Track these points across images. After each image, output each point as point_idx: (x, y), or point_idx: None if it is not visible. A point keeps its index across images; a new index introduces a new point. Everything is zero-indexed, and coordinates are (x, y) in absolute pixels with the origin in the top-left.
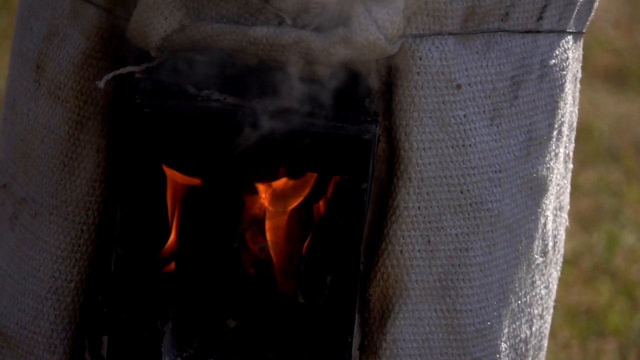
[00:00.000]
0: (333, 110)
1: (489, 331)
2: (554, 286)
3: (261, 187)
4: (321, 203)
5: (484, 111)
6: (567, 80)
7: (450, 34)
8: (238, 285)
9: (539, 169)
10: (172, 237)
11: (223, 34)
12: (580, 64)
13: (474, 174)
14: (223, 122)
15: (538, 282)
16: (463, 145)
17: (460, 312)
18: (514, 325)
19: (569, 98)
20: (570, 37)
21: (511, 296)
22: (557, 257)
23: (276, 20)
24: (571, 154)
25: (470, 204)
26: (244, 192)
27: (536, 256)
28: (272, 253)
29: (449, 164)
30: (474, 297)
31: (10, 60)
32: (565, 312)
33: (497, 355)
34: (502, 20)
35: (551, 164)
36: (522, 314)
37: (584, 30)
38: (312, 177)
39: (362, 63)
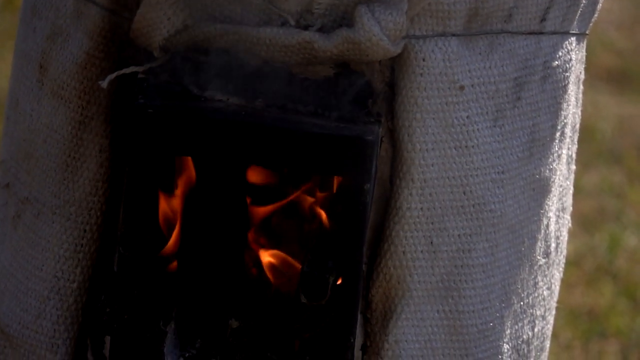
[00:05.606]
0: (336, 111)
1: (491, 332)
2: (556, 287)
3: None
4: (324, 204)
5: (487, 112)
6: (570, 82)
7: (453, 35)
8: (240, 285)
9: (542, 170)
10: (174, 236)
11: (226, 34)
12: (584, 66)
13: (476, 175)
14: (226, 123)
15: (540, 284)
16: (466, 147)
17: (462, 313)
18: (517, 327)
19: (572, 99)
20: (573, 39)
21: (513, 297)
22: (559, 259)
23: (279, 20)
24: (574, 155)
25: (473, 205)
26: (248, 194)
27: (539, 257)
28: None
29: (451, 165)
30: (476, 298)
31: (13, 60)
32: (568, 313)
33: (500, 356)
34: (505, 21)
35: (554, 165)
36: (524, 315)
37: (587, 32)
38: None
39: (365, 64)
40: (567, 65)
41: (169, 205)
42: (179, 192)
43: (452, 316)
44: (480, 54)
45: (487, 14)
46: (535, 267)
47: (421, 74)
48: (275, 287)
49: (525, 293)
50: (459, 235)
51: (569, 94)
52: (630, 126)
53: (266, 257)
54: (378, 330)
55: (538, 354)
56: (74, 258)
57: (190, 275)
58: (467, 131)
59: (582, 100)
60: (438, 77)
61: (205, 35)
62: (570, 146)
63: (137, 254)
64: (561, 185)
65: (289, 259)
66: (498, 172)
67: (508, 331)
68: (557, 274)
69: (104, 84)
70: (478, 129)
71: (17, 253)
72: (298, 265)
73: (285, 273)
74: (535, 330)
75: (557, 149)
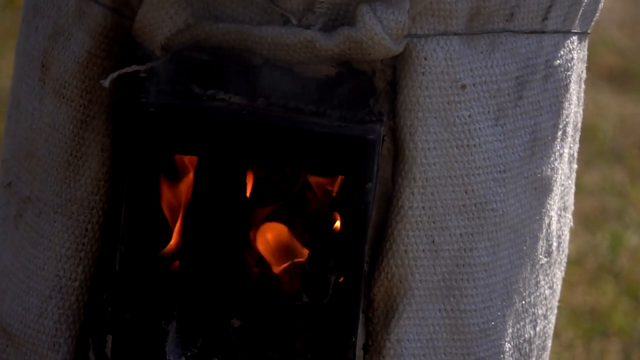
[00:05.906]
0: (337, 110)
1: (493, 331)
2: (558, 286)
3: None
4: (326, 203)
5: (488, 111)
6: (572, 81)
7: (455, 34)
8: (242, 284)
9: (544, 169)
10: (176, 235)
11: (228, 33)
12: (585, 65)
13: (478, 174)
14: (227, 122)
15: (542, 283)
16: (468, 146)
17: (464, 312)
18: (518, 326)
19: (574, 98)
20: (575, 38)
21: (515, 296)
22: (561, 258)
23: (281, 19)
24: (575, 154)
25: (475, 204)
26: (250, 190)
27: (540, 256)
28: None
29: (453, 164)
30: (478, 297)
31: (15, 59)
32: (570, 312)
33: (501, 356)
34: (507, 20)
35: (556, 164)
36: (526, 314)
37: (589, 31)
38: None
39: (367, 63)
40: (569, 65)
41: (174, 196)
42: (182, 188)
43: (454, 315)
44: (482, 53)
45: (489, 13)
46: (537, 266)
47: (423, 73)
48: (274, 275)
49: (527, 292)
50: (460, 234)
51: (571, 93)
52: (631, 125)
53: (266, 234)
54: (380, 329)
55: (540, 353)
56: (76, 257)
57: (192, 274)
58: (468, 130)
59: (584, 99)
60: (440, 76)
61: (207, 34)
62: (572, 145)
63: (138, 252)
64: (563, 184)
65: (286, 230)
66: (500, 171)
67: (510, 330)
68: (559, 273)
69: (106, 83)
70: (480, 128)
71: (19, 252)
72: (297, 244)
73: (286, 251)
74: (537, 329)
75: (558, 148)
